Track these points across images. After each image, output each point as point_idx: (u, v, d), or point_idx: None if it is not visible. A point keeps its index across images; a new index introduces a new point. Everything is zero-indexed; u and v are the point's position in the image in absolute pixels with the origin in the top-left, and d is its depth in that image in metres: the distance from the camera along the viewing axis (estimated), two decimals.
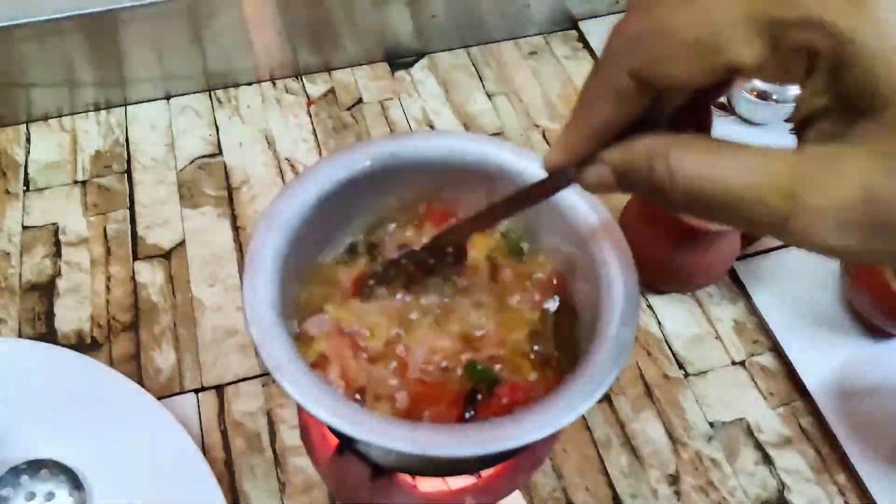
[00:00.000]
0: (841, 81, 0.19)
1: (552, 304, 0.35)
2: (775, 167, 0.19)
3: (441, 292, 0.35)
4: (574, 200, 0.34)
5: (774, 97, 0.66)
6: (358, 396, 0.32)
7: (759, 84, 0.66)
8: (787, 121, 0.69)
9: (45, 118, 0.72)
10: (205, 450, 0.53)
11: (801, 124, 0.21)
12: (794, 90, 0.70)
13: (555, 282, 0.35)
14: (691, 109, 0.25)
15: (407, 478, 0.39)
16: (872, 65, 0.18)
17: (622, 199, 0.63)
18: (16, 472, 0.48)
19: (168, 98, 0.74)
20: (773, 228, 0.19)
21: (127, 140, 0.71)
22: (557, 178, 0.26)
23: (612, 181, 0.23)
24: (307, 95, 0.75)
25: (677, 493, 0.53)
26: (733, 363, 0.59)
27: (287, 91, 0.76)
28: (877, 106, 0.18)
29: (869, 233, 0.18)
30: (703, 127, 0.24)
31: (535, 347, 0.34)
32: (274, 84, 0.76)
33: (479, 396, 0.32)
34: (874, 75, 0.18)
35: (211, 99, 0.75)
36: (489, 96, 0.77)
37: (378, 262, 0.36)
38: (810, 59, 0.19)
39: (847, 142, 0.19)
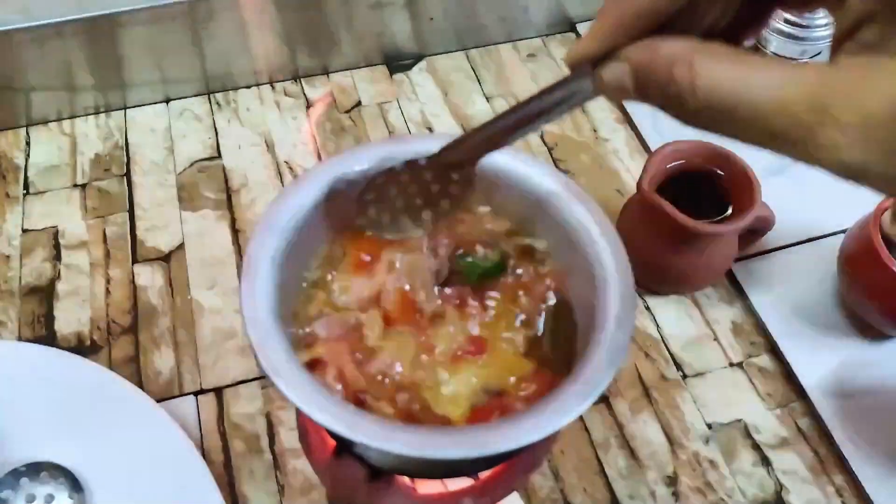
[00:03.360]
0: None
1: (550, 302, 0.35)
2: (805, 77, 0.18)
3: (438, 222, 0.33)
4: (571, 203, 0.34)
5: (803, 35, 0.66)
6: (358, 398, 0.32)
7: (790, 18, 0.65)
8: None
9: (45, 121, 0.72)
10: (204, 452, 0.53)
11: (844, 34, 0.20)
12: (821, 31, 0.69)
13: (551, 282, 0.36)
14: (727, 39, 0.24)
15: (405, 480, 0.39)
16: None
17: (620, 199, 0.63)
18: (15, 474, 0.48)
19: (167, 101, 0.75)
20: (795, 142, 0.18)
21: (126, 143, 0.71)
22: (577, 80, 0.24)
23: (629, 82, 0.22)
24: (307, 100, 0.76)
25: (675, 495, 0.53)
26: (731, 364, 0.59)
27: (286, 94, 0.76)
28: None
29: (891, 151, 0.17)
30: None
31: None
32: (273, 87, 0.76)
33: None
34: None
35: (210, 102, 0.75)
36: (488, 99, 0.77)
37: (379, 173, 0.33)
38: None
39: (884, 52, 0.18)
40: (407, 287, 0.34)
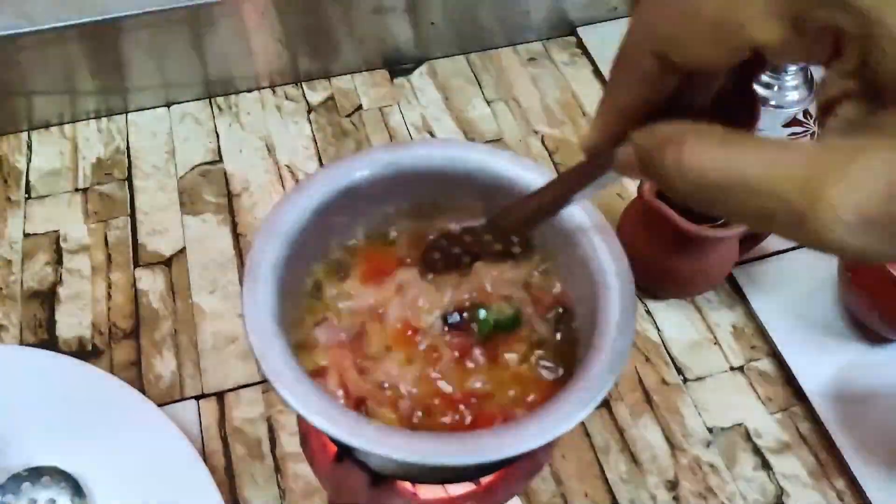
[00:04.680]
0: (869, 64, 0.18)
1: (552, 314, 0.35)
2: (793, 159, 0.18)
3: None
4: (571, 207, 0.34)
5: (773, 102, 0.67)
6: (360, 404, 0.32)
7: (757, 89, 0.66)
8: (818, 108, 0.69)
9: (47, 126, 0.73)
10: (205, 456, 0.53)
11: (825, 108, 0.20)
12: (792, 95, 0.70)
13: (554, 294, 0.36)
14: (736, 94, 0.24)
15: (406, 485, 0.39)
16: None
17: (621, 204, 0.63)
18: (17, 479, 0.48)
19: (168, 105, 0.75)
20: (788, 225, 0.18)
21: (128, 147, 0.71)
22: (597, 160, 0.26)
23: (635, 164, 0.22)
24: (308, 104, 0.76)
25: (676, 499, 0.53)
26: (732, 368, 0.59)
27: (287, 98, 0.76)
28: None
29: (889, 232, 0.17)
30: (749, 113, 0.24)
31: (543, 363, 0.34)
32: (274, 91, 0.77)
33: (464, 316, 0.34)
34: None
35: (211, 106, 0.75)
36: (488, 103, 0.77)
37: (441, 237, 0.35)
38: (836, 40, 0.19)
39: (872, 132, 0.18)
40: (409, 313, 0.34)
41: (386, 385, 0.32)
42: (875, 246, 0.17)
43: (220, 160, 0.71)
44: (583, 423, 0.56)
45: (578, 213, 0.34)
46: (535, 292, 0.36)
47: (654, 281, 0.60)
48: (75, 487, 0.49)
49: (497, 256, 0.35)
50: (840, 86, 0.19)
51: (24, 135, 0.72)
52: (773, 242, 0.62)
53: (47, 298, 0.61)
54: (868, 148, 0.17)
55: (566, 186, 0.29)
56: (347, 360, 0.32)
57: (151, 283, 0.62)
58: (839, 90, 0.19)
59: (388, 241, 0.37)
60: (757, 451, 0.55)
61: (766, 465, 0.54)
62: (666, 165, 0.20)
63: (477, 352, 0.34)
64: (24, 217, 0.66)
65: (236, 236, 0.65)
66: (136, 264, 0.63)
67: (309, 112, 0.75)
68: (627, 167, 0.23)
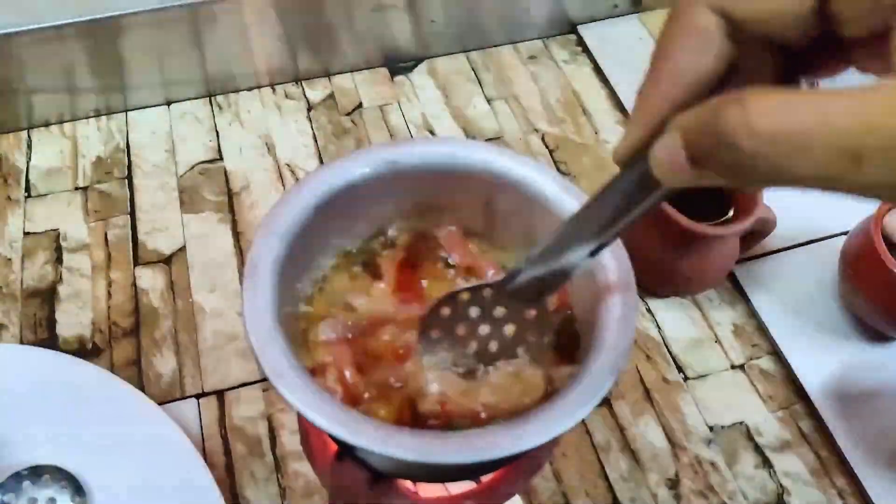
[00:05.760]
0: None
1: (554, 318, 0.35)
2: (884, 90, 0.16)
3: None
4: (572, 206, 0.34)
5: None
6: (359, 402, 0.32)
7: None
8: None
9: (47, 124, 0.72)
10: (205, 455, 0.53)
11: None
12: None
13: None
14: None
15: (407, 483, 0.39)
16: None
17: None
18: (18, 477, 0.48)
19: (168, 104, 0.75)
20: (891, 162, 0.15)
21: (128, 146, 0.71)
22: (631, 175, 0.22)
23: (681, 153, 0.19)
24: (308, 102, 0.76)
25: (677, 497, 0.53)
26: (733, 367, 0.59)
27: (287, 96, 0.76)
28: None
29: None
30: None
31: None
32: (274, 89, 0.76)
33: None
34: None
35: (211, 104, 0.75)
36: (488, 101, 0.77)
37: (444, 302, 0.32)
38: None
39: None
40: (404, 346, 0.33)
41: (385, 383, 0.32)
42: None
43: (220, 158, 0.71)
44: (583, 422, 0.56)
45: (576, 207, 0.34)
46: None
47: (654, 279, 0.60)
48: (75, 486, 0.48)
49: (511, 344, 0.31)
50: None
51: (24, 133, 0.72)
52: (775, 240, 0.62)
53: (47, 297, 0.61)
54: None
55: (591, 218, 0.25)
56: (348, 357, 0.32)
57: (151, 281, 0.62)
58: None
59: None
60: (758, 449, 0.55)
61: (766, 464, 0.54)
62: (728, 129, 0.17)
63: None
64: (24, 216, 0.66)
65: (236, 235, 0.65)
66: (136, 263, 0.63)
67: (309, 110, 0.75)
68: (669, 162, 0.19)
